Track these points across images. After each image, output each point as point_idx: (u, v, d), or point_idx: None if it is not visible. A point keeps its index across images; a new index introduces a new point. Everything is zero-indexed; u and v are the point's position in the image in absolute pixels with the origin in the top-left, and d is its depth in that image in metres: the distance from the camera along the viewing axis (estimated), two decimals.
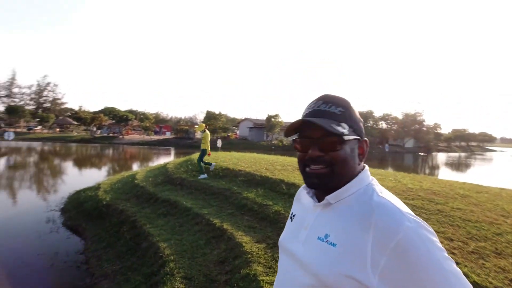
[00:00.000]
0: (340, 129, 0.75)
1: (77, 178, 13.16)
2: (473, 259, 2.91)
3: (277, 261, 3.08)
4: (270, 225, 4.39)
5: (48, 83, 59.45)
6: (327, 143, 0.76)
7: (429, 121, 61.97)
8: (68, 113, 59.49)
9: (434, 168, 27.83)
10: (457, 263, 2.79)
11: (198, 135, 48.33)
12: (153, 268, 3.71)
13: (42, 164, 18.31)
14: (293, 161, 9.06)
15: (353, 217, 0.72)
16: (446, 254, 0.67)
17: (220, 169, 7.85)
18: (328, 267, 0.70)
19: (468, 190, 5.57)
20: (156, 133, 55.24)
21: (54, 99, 60.58)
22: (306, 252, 0.76)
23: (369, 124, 52.41)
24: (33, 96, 58.02)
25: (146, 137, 47.62)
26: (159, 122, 69.69)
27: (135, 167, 17.00)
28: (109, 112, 48.20)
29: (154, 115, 60.18)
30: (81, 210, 6.92)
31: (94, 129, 48.37)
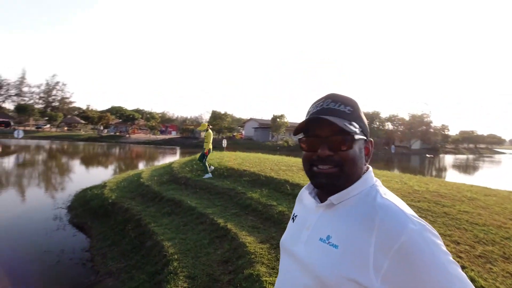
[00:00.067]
0: (352, 128, 0.75)
1: (84, 176, 13.32)
2: (480, 263, 2.86)
3: None
4: (274, 226, 4.38)
5: (57, 83, 60.30)
6: (338, 142, 0.75)
7: (436, 123, 61.31)
8: (76, 112, 60.28)
9: (441, 170, 27.47)
10: (464, 267, 2.75)
11: (203, 134, 48.45)
12: (157, 266, 3.73)
13: (50, 162, 18.58)
14: (298, 161, 9.03)
15: (356, 218, 0.71)
16: (451, 258, 0.66)
17: (225, 169, 7.86)
18: (329, 269, 0.69)
19: (476, 193, 5.49)
20: (162, 132, 55.64)
21: (63, 98, 61.39)
22: (307, 254, 0.76)
23: (375, 125, 51.97)
24: (42, 95, 58.92)
25: (152, 137, 48.00)
26: (165, 122, 70.15)
27: (141, 166, 17.14)
28: (116, 111, 48.73)
29: (160, 115, 60.60)
30: (87, 208, 7.00)
31: (101, 128, 48.91)
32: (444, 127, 60.96)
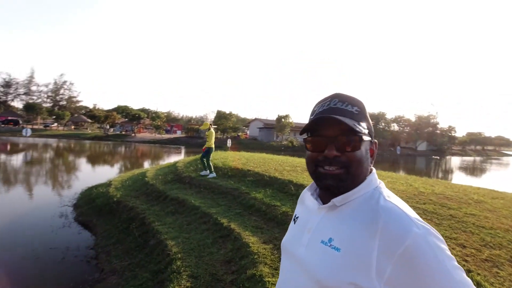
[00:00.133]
0: (361, 128, 0.74)
1: (89, 174, 13.45)
2: (486, 267, 2.81)
3: None
4: (277, 226, 4.37)
5: (65, 82, 61.11)
6: (346, 143, 0.73)
7: (443, 124, 60.66)
8: (83, 111, 60.89)
9: (448, 172, 27.14)
10: (470, 271, 2.71)
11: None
12: (160, 265, 3.75)
13: (57, 160, 18.82)
14: (302, 162, 9.00)
15: (359, 221, 0.70)
16: (456, 263, 0.64)
17: (229, 169, 7.87)
18: (331, 272, 0.68)
19: (483, 196, 5.41)
20: (167, 131, 55.92)
21: (70, 97, 62.18)
22: (308, 256, 0.74)
23: (381, 126, 51.56)
24: (50, 94, 59.74)
25: (158, 136, 48.29)
26: (171, 121, 70.52)
27: (146, 165, 17.25)
28: (122, 110, 49.09)
29: (165, 114, 60.97)
30: (92, 206, 7.06)
31: (107, 127, 49.34)
32: (451, 129, 60.26)
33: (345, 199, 0.74)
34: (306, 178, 6.33)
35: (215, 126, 48.17)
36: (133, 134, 46.94)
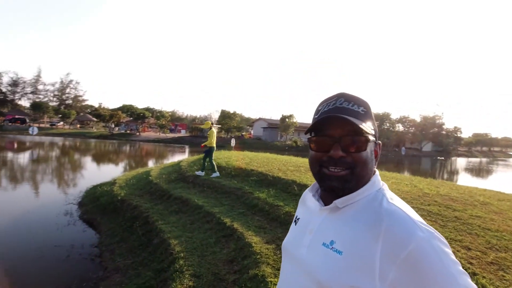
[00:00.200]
0: (369, 129, 0.73)
1: (94, 173, 13.56)
2: (492, 270, 2.78)
3: None
4: (280, 226, 4.36)
5: (71, 81, 61.63)
6: (352, 143, 0.72)
7: (449, 125, 60.10)
8: (88, 110, 61.44)
9: (453, 173, 26.87)
10: (475, 274, 2.67)
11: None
12: (163, 264, 3.76)
13: (63, 158, 19.01)
14: (306, 162, 8.97)
15: (361, 224, 0.69)
16: (461, 268, 0.63)
17: (233, 168, 7.88)
18: (332, 276, 0.67)
19: (489, 198, 5.34)
20: (171, 131, 56.16)
21: (76, 96, 62.69)
22: (309, 258, 0.74)
23: (386, 127, 51.22)
24: (56, 93, 60.32)
25: (162, 135, 48.54)
26: (175, 120, 70.85)
27: (150, 164, 17.35)
28: (127, 109, 49.41)
29: (170, 113, 61.23)
30: (97, 204, 7.12)
31: (112, 125, 49.72)
32: (456, 129, 59.69)
33: (347, 200, 0.73)
34: (309, 178, 6.31)
35: (219, 126, 48.31)
36: (137, 133, 47.24)
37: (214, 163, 7.84)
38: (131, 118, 51.56)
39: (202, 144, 8.03)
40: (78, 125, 54.72)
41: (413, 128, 57.48)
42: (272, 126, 48.64)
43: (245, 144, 34.26)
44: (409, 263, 0.61)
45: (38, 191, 9.61)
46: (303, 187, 5.70)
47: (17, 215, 6.74)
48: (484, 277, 2.64)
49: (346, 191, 0.73)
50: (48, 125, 49.97)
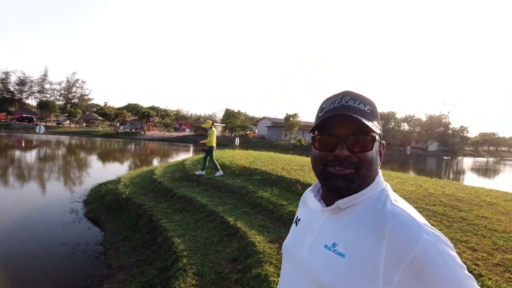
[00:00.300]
0: (375, 128, 0.71)
1: (100, 171, 13.68)
2: (498, 271, 2.74)
3: None
4: (283, 225, 4.35)
5: (77, 80, 62.19)
6: (358, 143, 0.70)
7: (455, 124, 59.49)
8: (94, 109, 61.98)
9: (459, 173, 26.57)
10: (481, 276, 2.64)
11: (216, 132, 48.79)
12: (167, 262, 3.78)
13: (69, 157, 19.21)
14: (310, 161, 8.90)
15: (365, 226, 0.67)
16: (467, 272, 0.62)
17: (236, 167, 7.89)
18: (334, 279, 0.66)
19: (496, 198, 5.27)
20: (176, 129, 56.40)
21: (82, 95, 63.26)
22: (311, 260, 0.72)
23: (391, 126, 50.81)
24: (62, 92, 60.93)
25: (167, 134, 48.79)
26: (179, 119, 71.12)
27: (155, 162, 17.45)
28: (132, 108, 49.76)
29: (174, 112, 61.48)
30: (102, 202, 7.18)
31: (118, 124, 50.12)
32: (463, 129, 58.97)
33: (350, 201, 0.71)
34: (313, 178, 6.28)
35: (224, 124, 48.37)
36: (142, 132, 47.54)
37: (216, 162, 7.86)
38: (136, 117, 51.91)
39: (201, 142, 8.06)
40: (84, 124, 55.28)
41: (418, 128, 56.93)
42: (276, 125, 48.57)
43: (249, 143, 34.29)
44: (414, 267, 0.59)
45: (45, 189, 9.73)
46: (307, 186, 5.68)
47: (24, 213, 6.83)
48: (490, 278, 2.61)
49: (350, 191, 0.71)
50: (54, 124, 50.58)
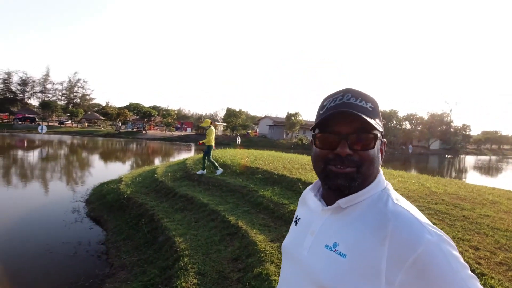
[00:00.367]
0: (378, 126, 0.70)
1: (102, 171, 13.72)
2: (501, 270, 2.72)
3: None
4: (285, 224, 4.35)
5: (78, 80, 62.36)
6: (361, 140, 0.69)
7: (457, 122, 59.29)
8: (96, 109, 62.16)
9: (461, 171, 26.47)
10: (483, 275, 2.62)
11: (218, 131, 48.95)
12: (168, 262, 3.78)
13: (71, 156, 19.28)
14: (311, 160, 8.92)
15: (367, 226, 0.66)
16: (470, 272, 0.61)
17: (238, 167, 7.88)
18: (335, 279, 0.65)
19: (498, 196, 5.24)
20: (177, 129, 56.46)
21: (84, 95, 63.43)
22: (311, 261, 0.71)
23: (392, 124, 50.65)
24: (64, 92, 61.09)
25: (168, 133, 48.86)
26: (181, 119, 71.24)
27: (157, 161, 17.48)
28: (134, 108, 49.86)
29: (176, 112, 61.56)
30: (103, 201, 7.20)
31: (119, 124, 50.25)
32: (465, 127, 58.78)
33: (351, 200, 0.70)
34: (314, 177, 6.27)
35: (225, 124, 48.37)
36: (144, 131, 47.64)
37: (213, 160, 7.86)
38: (138, 117, 52.02)
39: (200, 142, 8.07)
40: (86, 124, 55.43)
41: (420, 126, 56.75)
42: (278, 124, 48.54)
43: (250, 142, 34.28)
44: (417, 268, 0.59)
45: (47, 188, 9.77)
46: (308, 185, 5.61)
47: (26, 212, 6.86)
48: (493, 277, 2.59)
49: (352, 189, 0.70)
50: (56, 124, 50.76)
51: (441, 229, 2.65)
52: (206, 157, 7.85)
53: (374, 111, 0.72)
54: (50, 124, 48.14)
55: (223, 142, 34.35)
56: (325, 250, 0.69)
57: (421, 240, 0.60)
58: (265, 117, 57.10)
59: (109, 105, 57.23)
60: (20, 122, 45.47)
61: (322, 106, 0.76)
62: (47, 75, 59.74)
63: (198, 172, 7.78)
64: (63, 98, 60.80)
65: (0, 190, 9.10)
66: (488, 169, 29.16)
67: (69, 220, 6.37)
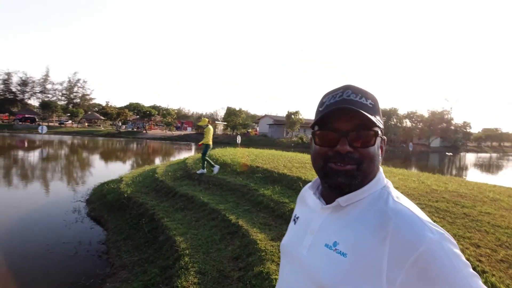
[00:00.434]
0: (378, 123, 0.69)
1: (102, 170, 13.72)
2: (502, 268, 2.71)
3: None
4: (285, 223, 4.34)
5: (78, 80, 62.31)
6: (361, 137, 0.68)
7: (457, 120, 59.22)
8: (96, 109, 62.13)
9: (462, 169, 26.45)
10: (484, 272, 2.62)
11: (218, 130, 48.93)
12: (169, 261, 3.78)
13: (72, 156, 19.29)
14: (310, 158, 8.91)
15: (367, 224, 0.65)
16: (472, 270, 0.60)
17: (238, 165, 7.88)
18: (335, 279, 0.64)
19: (499, 194, 5.23)
20: (177, 128, 56.45)
21: (83, 95, 63.39)
22: (311, 260, 0.70)
23: (393, 122, 50.60)
24: (64, 92, 61.06)
25: (168, 132, 48.86)
26: (181, 118, 71.25)
27: (157, 161, 17.48)
28: (134, 107, 49.83)
29: (176, 111, 61.55)
30: (104, 201, 7.20)
31: (120, 124, 50.23)
32: (465, 124, 58.74)
33: (351, 199, 0.69)
34: (315, 175, 6.21)
35: (225, 123, 48.34)
36: (144, 131, 47.63)
37: (208, 159, 7.87)
38: (138, 116, 52.00)
39: (200, 143, 8.04)
40: (86, 124, 55.44)
41: (421, 124, 56.70)
42: (278, 123, 48.51)
43: (250, 141, 34.27)
44: (419, 267, 0.58)
45: (47, 188, 9.78)
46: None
47: (27, 212, 6.86)
48: (493, 275, 2.59)
49: (352, 187, 0.69)
50: (57, 124, 50.75)
51: (442, 227, 2.64)
52: (204, 156, 7.85)
53: (374, 108, 0.71)
54: (50, 124, 48.13)
55: (224, 141, 34.34)
56: (325, 249, 0.68)
57: (423, 239, 0.59)
58: (265, 116, 57.06)
59: (109, 105, 57.17)
60: (20, 123, 45.47)
61: (321, 103, 0.74)
62: (47, 75, 59.77)
63: (198, 172, 7.78)
64: (63, 98, 60.79)
65: (0, 190, 9.11)
66: (488, 167, 29.13)
67: (69, 220, 6.37)
